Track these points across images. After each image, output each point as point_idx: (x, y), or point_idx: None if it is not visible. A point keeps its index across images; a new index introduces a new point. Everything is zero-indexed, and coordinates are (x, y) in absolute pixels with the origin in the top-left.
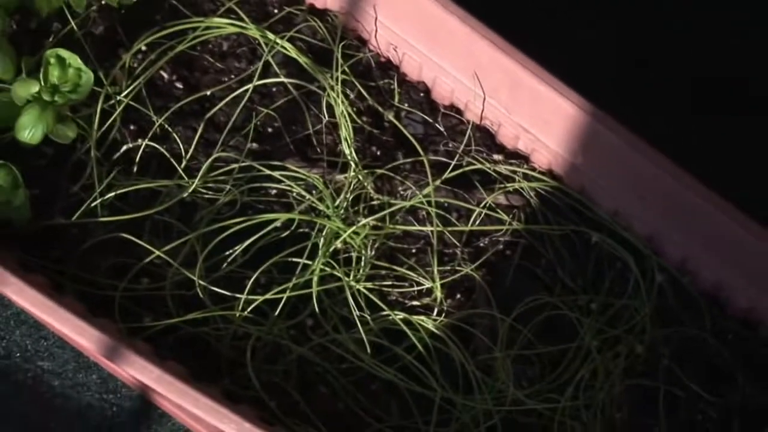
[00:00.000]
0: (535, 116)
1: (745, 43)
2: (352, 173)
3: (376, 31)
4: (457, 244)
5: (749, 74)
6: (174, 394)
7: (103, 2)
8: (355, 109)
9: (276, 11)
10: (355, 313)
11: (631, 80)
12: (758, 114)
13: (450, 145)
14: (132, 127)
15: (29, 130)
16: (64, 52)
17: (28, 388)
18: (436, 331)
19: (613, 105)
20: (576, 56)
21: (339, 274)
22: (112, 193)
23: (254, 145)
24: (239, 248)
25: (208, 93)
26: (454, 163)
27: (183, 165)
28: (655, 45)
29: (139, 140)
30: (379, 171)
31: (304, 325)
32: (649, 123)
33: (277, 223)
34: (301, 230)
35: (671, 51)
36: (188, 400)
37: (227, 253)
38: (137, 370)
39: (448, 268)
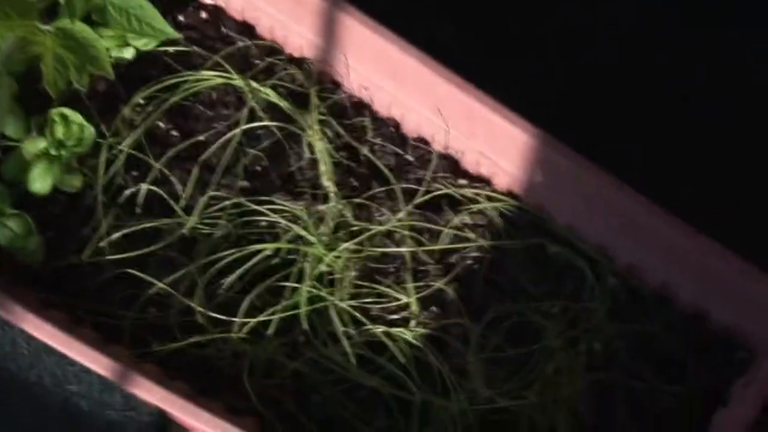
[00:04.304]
0: (492, 144)
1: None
2: (333, 203)
3: (348, 74)
4: (430, 261)
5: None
6: (177, 411)
7: None
8: (333, 145)
9: (258, 62)
10: (341, 328)
11: (576, 106)
12: (697, 123)
13: (419, 173)
14: (134, 173)
15: (39, 182)
16: (67, 111)
17: (59, 409)
18: (414, 341)
19: (560, 129)
20: (527, 88)
21: (324, 295)
22: (119, 233)
23: (244, 182)
24: (234, 276)
25: (201, 138)
26: (423, 189)
27: (181, 204)
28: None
29: (141, 184)
30: (357, 200)
31: (296, 342)
32: (595, 143)
33: (268, 252)
34: (290, 257)
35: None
36: (190, 416)
37: (224, 280)
38: (144, 391)
39: (423, 283)
